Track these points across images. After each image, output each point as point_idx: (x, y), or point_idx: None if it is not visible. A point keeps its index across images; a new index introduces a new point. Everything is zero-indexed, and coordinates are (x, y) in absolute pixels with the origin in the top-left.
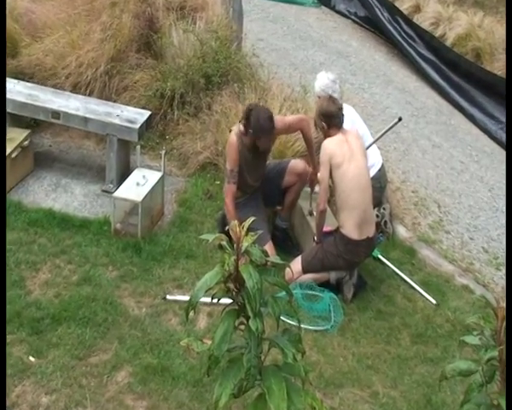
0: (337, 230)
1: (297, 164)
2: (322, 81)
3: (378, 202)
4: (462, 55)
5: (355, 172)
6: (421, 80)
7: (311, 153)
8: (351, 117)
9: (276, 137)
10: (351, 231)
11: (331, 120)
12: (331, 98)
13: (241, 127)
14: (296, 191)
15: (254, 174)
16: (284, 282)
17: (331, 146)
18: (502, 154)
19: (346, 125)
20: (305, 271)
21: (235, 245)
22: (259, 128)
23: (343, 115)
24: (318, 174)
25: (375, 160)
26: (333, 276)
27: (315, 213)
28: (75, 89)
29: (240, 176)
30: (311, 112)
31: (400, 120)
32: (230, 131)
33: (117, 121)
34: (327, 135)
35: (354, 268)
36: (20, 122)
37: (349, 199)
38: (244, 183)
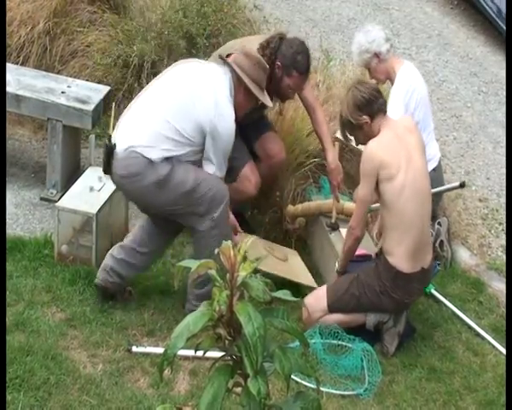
0: (380, 255)
1: (268, 141)
2: (362, 39)
3: (432, 214)
4: None
5: (411, 179)
6: (492, 43)
7: (322, 132)
8: (410, 81)
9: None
10: (401, 260)
11: (372, 106)
12: (359, 82)
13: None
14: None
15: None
16: (297, 327)
17: (380, 152)
18: None
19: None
20: (331, 309)
21: (228, 275)
22: (294, 60)
23: (382, 95)
24: (354, 192)
25: (431, 152)
26: (371, 319)
27: (341, 228)
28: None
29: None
30: (335, 87)
31: None
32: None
33: (62, 101)
34: (369, 132)
35: (403, 311)
36: None
37: (403, 215)
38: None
